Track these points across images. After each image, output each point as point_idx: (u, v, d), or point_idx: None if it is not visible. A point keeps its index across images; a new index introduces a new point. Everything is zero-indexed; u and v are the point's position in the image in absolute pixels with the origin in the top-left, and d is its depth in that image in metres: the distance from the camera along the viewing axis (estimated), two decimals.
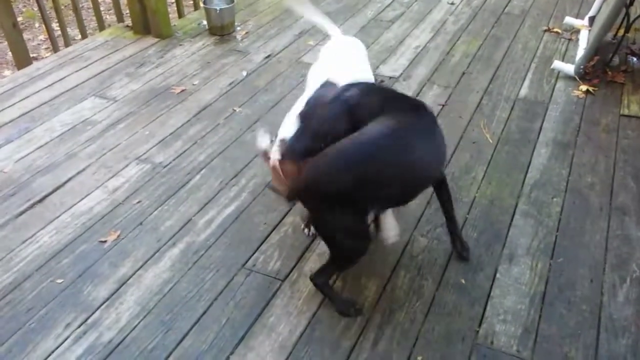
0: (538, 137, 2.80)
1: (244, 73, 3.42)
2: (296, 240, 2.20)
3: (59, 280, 2.03)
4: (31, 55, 3.70)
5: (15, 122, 2.94)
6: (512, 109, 3.04)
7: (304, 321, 1.88)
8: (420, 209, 2.32)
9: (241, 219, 2.30)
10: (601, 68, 3.38)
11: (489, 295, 1.96)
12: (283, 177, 1.91)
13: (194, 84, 3.31)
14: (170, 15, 3.96)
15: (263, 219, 2.30)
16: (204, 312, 1.91)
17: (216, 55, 3.66)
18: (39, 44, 4.81)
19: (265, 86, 3.28)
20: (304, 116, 1.87)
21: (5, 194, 2.44)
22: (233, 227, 2.27)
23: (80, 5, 3.97)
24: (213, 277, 2.04)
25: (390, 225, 2.07)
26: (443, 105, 3.07)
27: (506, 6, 4.34)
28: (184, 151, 2.72)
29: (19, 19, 4.16)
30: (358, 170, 1.67)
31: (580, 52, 3.40)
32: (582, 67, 3.30)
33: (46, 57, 3.88)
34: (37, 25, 5.10)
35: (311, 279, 1.93)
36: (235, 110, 3.04)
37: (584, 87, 3.21)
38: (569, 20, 3.98)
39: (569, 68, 3.33)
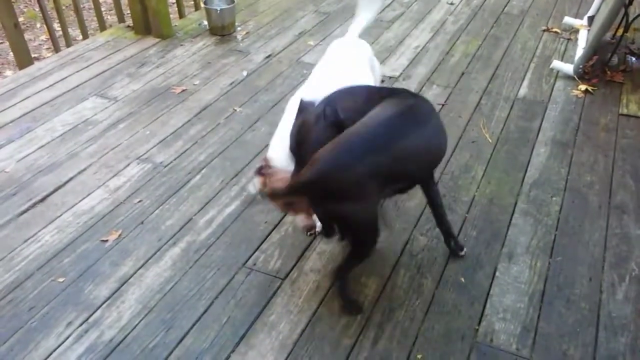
0: (537, 137, 2.81)
1: (245, 73, 3.43)
2: (296, 239, 2.21)
3: (61, 279, 2.04)
4: (32, 55, 3.71)
5: (16, 122, 2.95)
6: (511, 108, 3.05)
7: (305, 319, 1.89)
8: (420, 208, 2.32)
9: (242, 218, 2.31)
10: (600, 68, 3.39)
11: (488, 294, 1.97)
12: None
13: (194, 84, 3.32)
14: (171, 16, 3.97)
15: (263, 218, 2.31)
16: (205, 311, 1.92)
17: (217, 55, 3.67)
18: (40, 44, 4.82)
19: (266, 86, 3.29)
20: (294, 151, 1.82)
21: (7, 193, 2.45)
22: (234, 226, 2.28)
23: (82, 6, 3.97)
24: (214, 276, 2.05)
25: None
26: (443, 105, 3.08)
27: (505, 6, 4.35)
28: (185, 151, 2.73)
29: (21, 19, 4.18)
30: (372, 155, 1.64)
31: (579, 51, 3.41)
32: (581, 66, 3.31)
33: (47, 57, 3.89)
34: (38, 25, 5.11)
35: (334, 277, 1.91)
36: (235, 110, 3.06)
37: (583, 87, 3.21)
38: (568, 20, 3.99)
39: (568, 68, 3.33)
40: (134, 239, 2.21)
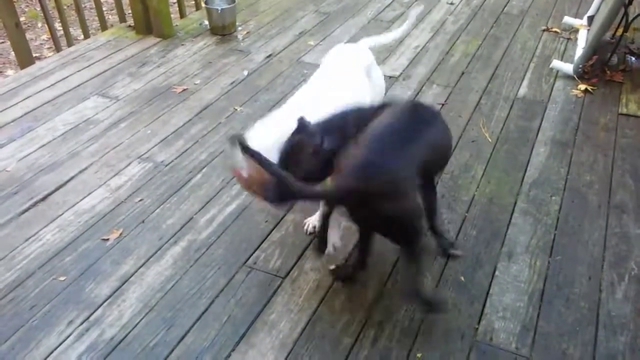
0: (537, 136, 2.81)
1: (245, 72, 3.44)
2: (297, 238, 2.22)
3: (62, 278, 2.05)
4: (34, 55, 3.72)
5: (18, 121, 2.96)
6: (511, 108, 3.06)
7: (305, 318, 1.90)
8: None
9: (242, 217, 2.32)
10: (600, 67, 3.40)
11: (488, 293, 1.97)
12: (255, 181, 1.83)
13: (195, 84, 3.33)
14: (172, 16, 3.98)
15: (264, 217, 2.32)
16: (206, 310, 1.93)
17: (217, 54, 3.67)
18: (41, 44, 4.82)
19: (266, 85, 3.30)
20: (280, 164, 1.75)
21: (8, 192, 2.46)
22: (234, 225, 2.28)
23: (83, 5, 3.98)
24: (214, 274, 2.06)
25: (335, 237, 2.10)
26: (442, 105, 3.09)
27: (505, 6, 4.36)
28: (186, 150, 2.74)
29: (22, 18, 4.17)
30: (407, 146, 1.62)
31: (579, 51, 3.41)
32: (580, 66, 3.31)
33: (49, 56, 3.89)
34: (39, 25, 5.11)
35: (411, 297, 1.82)
36: (236, 110, 3.06)
37: (582, 87, 3.22)
38: (567, 19, 4.00)
39: (568, 67, 3.34)
40: (135, 238, 2.22)
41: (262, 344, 1.81)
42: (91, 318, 1.90)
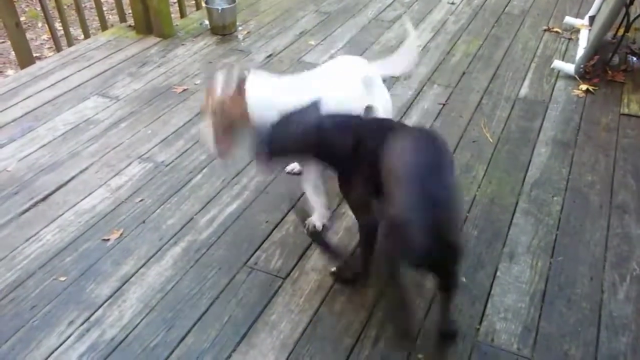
0: (538, 136, 2.81)
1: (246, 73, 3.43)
2: (298, 238, 2.21)
3: (62, 278, 2.04)
4: (34, 54, 3.72)
5: (18, 121, 2.96)
6: (512, 108, 3.06)
7: (306, 319, 1.89)
8: None
9: (243, 218, 2.32)
10: (601, 67, 3.39)
11: (489, 294, 1.97)
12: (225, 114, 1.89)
13: (195, 84, 3.32)
14: (172, 15, 3.98)
15: (265, 217, 2.31)
16: (206, 310, 1.92)
17: (218, 54, 3.67)
18: (41, 44, 4.82)
19: None
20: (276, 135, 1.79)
21: (8, 192, 2.45)
22: (235, 225, 2.28)
23: (83, 5, 3.98)
24: (215, 275, 2.06)
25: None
26: (443, 105, 3.08)
27: (506, 6, 4.35)
28: (186, 150, 2.73)
29: (22, 18, 4.17)
30: (449, 177, 1.60)
31: (580, 51, 3.41)
32: (582, 66, 3.31)
33: (49, 56, 3.89)
34: (40, 25, 5.11)
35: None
36: None
37: (584, 87, 3.22)
38: (568, 19, 3.99)
39: (569, 67, 3.33)
40: (135, 238, 2.21)
41: (263, 344, 1.81)
42: (92, 318, 1.90)
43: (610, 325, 1.86)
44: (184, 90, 3.25)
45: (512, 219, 2.29)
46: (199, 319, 1.89)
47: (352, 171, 1.78)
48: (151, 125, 2.93)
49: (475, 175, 2.53)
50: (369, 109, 1.89)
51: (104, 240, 2.21)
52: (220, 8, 3.83)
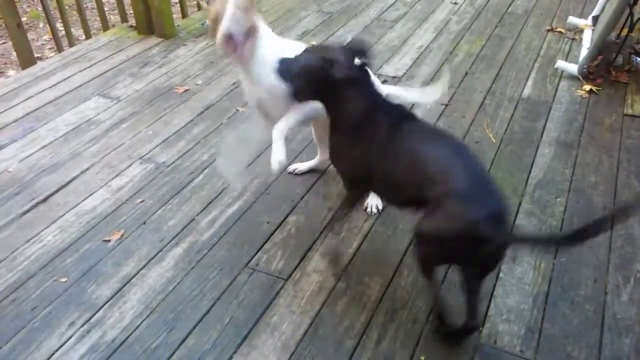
0: (541, 137, 2.79)
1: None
2: (299, 239, 2.20)
3: (63, 279, 2.04)
4: (35, 55, 3.72)
5: (19, 122, 2.96)
6: (515, 108, 3.04)
7: (307, 320, 1.88)
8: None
9: (244, 218, 2.31)
10: (605, 68, 3.38)
11: (492, 295, 1.96)
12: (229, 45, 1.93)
13: (197, 84, 3.32)
14: (174, 16, 3.97)
15: (266, 218, 2.30)
16: (207, 311, 1.91)
17: (219, 55, 3.66)
18: (43, 44, 4.82)
19: None
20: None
21: (9, 193, 2.45)
22: (236, 226, 2.27)
23: (85, 6, 3.98)
24: (216, 276, 2.05)
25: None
26: (446, 105, 3.07)
27: (509, 6, 4.34)
28: (187, 151, 2.72)
29: (24, 19, 4.18)
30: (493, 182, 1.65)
31: (584, 51, 3.39)
32: (585, 66, 3.29)
33: (50, 57, 3.89)
34: (41, 25, 5.12)
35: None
36: (238, 110, 3.05)
37: (587, 87, 3.20)
38: (572, 19, 3.98)
39: (573, 68, 3.32)
40: (136, 239, 2.21)
41: (265, 345, 1.80)
42: (92, 320, 1.89)
43: (614, 327, 1.85)
44: (186, 90, 3.25)
45: (515, 219, 2.28)
46: (200, 320, 1.88)
47: (351, 135, 1.80)
48: (152, 125, 2.92)
49: None
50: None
51: (105, 241, 2.20)
52: None
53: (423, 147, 1.70)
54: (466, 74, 3.39)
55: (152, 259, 2.12)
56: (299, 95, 1.90)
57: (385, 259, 2.11)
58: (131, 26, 4.01)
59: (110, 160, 2.66)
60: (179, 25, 4.06)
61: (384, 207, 2.32)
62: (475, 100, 3.12)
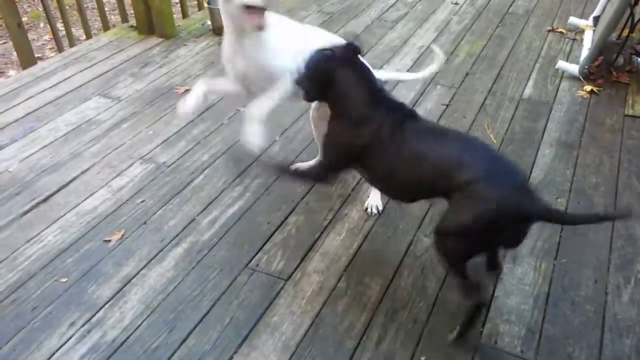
0: (542, 137, 2.79)
1: None
2: (299, 239, 2.20)
3: (63, 279, 2.04)
4: (36, 55, 3.72)
5: (20, 122, 2.96)
6: (516, 109, 3.04)
7: (308, 321, 1.88)
8: (423, 210, 2.31)
9: (245, 219, 2.31)
10: (606, 68, 3.37)
11: (492, 296, 1.95)
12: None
13: None
14: (174, 16, 3.97)
15: (266, 218, 2.30)
16: (208, 312, 1.91)
17: (220, 55, 3.65)
18: (43, 44, 4.82)
19: None
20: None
21: (10, 193, 2.45)
22: (236, 226, 2.27)
23: (85, 6, 3.98)
24: (216, 276, 2.05)
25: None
26: (447, 105, 3.07)
27: (510, 6, 4.34)
28: (188, 151, 2.72)
29: (24, 19, 4.18)
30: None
31: (585, 52, 3.39)
32: (586, 67, 3.29)
33: (51, 57, 3.89)
34: (42, 25, 5.12)
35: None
36: (239, 110, 3.05)
37: (588, 87, 3.20)
38: (573, 20, 3.98)
39: (574, 68, 3.32)
40: (137, 239, 2.21)
41: (265, 346, 1.80)
42: (93, 320, 1.89)
43: (615, 327, 1.85)
44: (186, 90, 3.24)
45: None
46: (200, 321, 1.88)
47: (350, 128, 1.79)
48: (153, 126, 2.92)
49: None
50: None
51: (106, 241, 2.20)
52: None
53: (431, 143, 1.71)
54: (467, 74, 3.39)
55: (152, 259, 2.12)
56: (311, 97, 1.95)
57: (386, 260, 2.11)
58: (132, 26, 4.01)
59: (111, 160, 2.66)
60: (179, 25, 4.06)
61: (384, 208, 2.32)
62: (476, 101, 3.11)
